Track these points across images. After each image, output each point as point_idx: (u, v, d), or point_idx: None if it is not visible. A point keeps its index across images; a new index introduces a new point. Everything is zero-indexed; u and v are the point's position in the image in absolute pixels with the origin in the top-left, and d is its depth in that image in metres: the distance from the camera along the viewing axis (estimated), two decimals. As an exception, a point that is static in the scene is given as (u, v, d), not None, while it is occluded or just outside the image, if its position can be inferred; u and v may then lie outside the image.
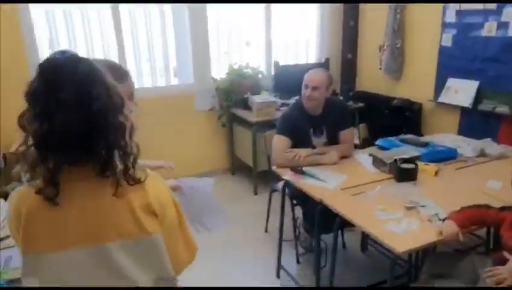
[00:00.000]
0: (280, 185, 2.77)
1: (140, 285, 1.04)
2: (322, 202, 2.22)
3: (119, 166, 1.00)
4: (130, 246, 1.02)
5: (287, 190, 2.74)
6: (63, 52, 0.96)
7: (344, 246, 3.13)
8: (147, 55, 4.36)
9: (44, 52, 3.75)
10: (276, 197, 2.96)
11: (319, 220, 2.32)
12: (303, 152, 2.64)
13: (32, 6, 3.59)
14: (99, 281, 1.02)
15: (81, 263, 1.00)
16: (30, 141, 0.95)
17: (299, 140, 2.72)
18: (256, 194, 4.16)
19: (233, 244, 3.28)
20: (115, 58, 4.00)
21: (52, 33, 3.92)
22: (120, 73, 1.40)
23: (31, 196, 0.98)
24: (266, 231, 3.45)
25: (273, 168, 2.71)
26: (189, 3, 4.15)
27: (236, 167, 4.65)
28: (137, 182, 1.02)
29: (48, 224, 0.99)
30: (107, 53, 4.04)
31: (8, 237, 1.96)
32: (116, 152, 0.99)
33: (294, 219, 2.97)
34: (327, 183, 2.40)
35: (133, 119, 1.16)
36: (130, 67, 4.14)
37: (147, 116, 4.15)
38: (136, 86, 4.15)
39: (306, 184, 2.42)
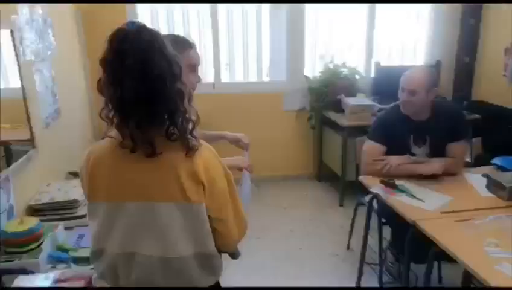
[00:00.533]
0: (367, 198, 2.41)
1: (179, 253, 1.10)
2: (415, 224, 1.82)
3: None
4: (175, 210, 1.07)
5: (375, 205, 2.37)
6: (131, 23, 1.04)
7: (440, 281, 2.62)
8: (241, 52, 4.27)
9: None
10: (363, 212, 2.59)
11: (410, 246, 1.93)
12: (395, 160, 2.25)
13: (139, 5, 3.79)
14: (142, 237, 1.09)
15: (132, 216, 1.08)
16: (110, 105, 1.05)
17: (395, 149, 2.33)
18: (341, 205, 3.79)
19: (309, 257, 2.99)
20: (210, 53, 4.00)
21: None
22: (182, 45, 1.53)
23: (101, 148, 1.12)
24: (348, 248, 3.08)
25: (360, 178, 2.36)
26: (288, 3, 3.97)
27: (323, 174, 4.32)
28: (191, 149, 1.06)
29: (108, 175, 1.09)
30: (203, 49, 4.04)
31: (84, 215, 1.97)
32: (178, 117, 1.05)
33: (381, 240, 2.57)
34: (424, 203, 1.99)
35: (193, 88, 1.43)
36: (224, 63, 4.10)
37: (234, 110, 4.08)
38: (228, 80, 4.19)
39: (397, 201, 2.04)
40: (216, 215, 1.13)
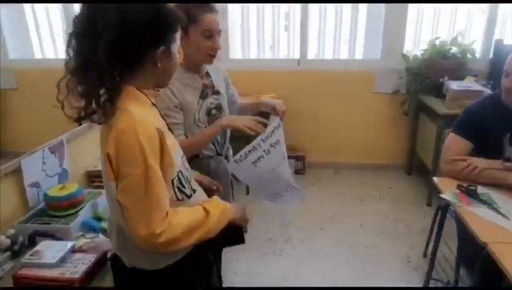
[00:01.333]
0: (442, 204, 1.99)
1: (112, 218, 1.17)
2: (487, 248, 1.42)
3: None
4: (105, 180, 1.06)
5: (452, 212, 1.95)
6: None
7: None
8: (332, 27, 3.91)
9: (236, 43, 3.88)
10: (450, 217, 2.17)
11: (479, 273, 1.53)
12: (482, 163, 1.80)
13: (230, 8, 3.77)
14: None
15: None
16: None
17: (485, 147, 1.87)
18: (429, 205, 3.29)
19: (375, 258, 2.66)
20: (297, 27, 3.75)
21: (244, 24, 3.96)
22: (199, 8, 1.49)
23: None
24: (425, 255, 2.66)
25: (435, 179, 1.95)
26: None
27: (414, 166, 3.82)
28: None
29: None
30: (292, 23, 3.82)
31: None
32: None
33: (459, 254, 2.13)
34: (509, 222, 1.55)
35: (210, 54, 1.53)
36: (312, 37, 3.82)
37: (320, 89, 3.83)
38: (317, 57, 3.90)
39: (472, 214, 1.63)
40: (118, 197, 1.01)
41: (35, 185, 1.81)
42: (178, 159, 1.12)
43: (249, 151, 1.45)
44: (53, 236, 1.62)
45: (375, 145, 3.95)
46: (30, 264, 1.46)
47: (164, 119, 1.18)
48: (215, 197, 1.25)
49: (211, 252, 1.37)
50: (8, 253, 1.56)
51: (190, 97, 1.56)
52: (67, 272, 1.42)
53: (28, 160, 1.76)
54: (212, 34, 1.53)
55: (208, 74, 1.67)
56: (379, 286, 2.39)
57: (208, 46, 1.53)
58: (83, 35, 0.98)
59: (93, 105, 1.00)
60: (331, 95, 3.86)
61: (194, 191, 1.19)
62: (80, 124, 1.13)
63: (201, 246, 1.16)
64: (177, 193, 1.11)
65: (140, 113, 1.01)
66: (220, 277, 1.97)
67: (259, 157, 1.47)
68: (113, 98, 1.01)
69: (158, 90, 1.17)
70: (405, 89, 3.68)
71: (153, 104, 1.12)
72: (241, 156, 1.44)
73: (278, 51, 4.00)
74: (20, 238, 1.60)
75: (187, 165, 1.23)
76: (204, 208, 1.13)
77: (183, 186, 1.13)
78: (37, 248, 1.52)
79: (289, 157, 3.66)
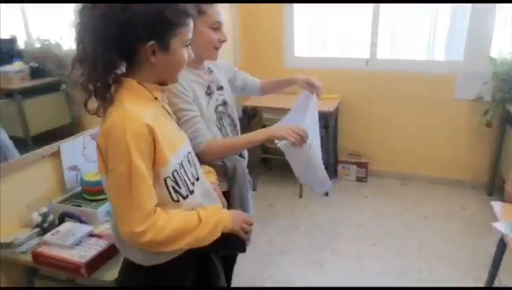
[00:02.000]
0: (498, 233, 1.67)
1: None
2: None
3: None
4: None
5: None
6: None
7: None
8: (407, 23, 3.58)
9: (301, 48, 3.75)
10: None
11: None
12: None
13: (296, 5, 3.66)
14: None
15: None
16: None
17: None
18: (508, 232, 2.83)
19: (428, 284, 2.36)
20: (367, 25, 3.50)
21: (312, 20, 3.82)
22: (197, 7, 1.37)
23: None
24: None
25: (493, 203, 1.65)
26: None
27: (497, 187, 3.31)
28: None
29: None
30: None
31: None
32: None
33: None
34: None
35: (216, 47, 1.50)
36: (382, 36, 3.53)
37: (391, 91, 3.55)
38: (389, 57, 3.60)
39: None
40: (106, 191, 1.04)
41: (74, 168, 1.92)
42: (175, 157, 1.08)
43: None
44: (79, 219, 1.69)
45: (451, 158, 3.52)
46: (49, 242, 1.55)
47: (170, 115, 1.17)
48: (215, 206, 1.20)
49: (214, 254, 1.34)
50: (38, 229, 1.67)
51: (198, 93, 1.50)
52: (77, 254, 1.47)
53: (67, 144, 1.87)
54: (219, 27, 1.49)
55: (210, 70, 1.62)
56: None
57: (215, 38, 1.49)
58: (79, 27, 1.00)
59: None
60: (402, 99, 3.54)
61: (192, 192, 1.14)
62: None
63: (201, 249, 1.12)
64: (172, 193, 1.07)
65: (133, 107, 1.00)
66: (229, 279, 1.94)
67: (311, 143, 1.51)
68: (105, 90, 1.01)
69: (165, 85, 1.14)
70: (490, 96, 3.21)
71: (156, 98, 1.09)
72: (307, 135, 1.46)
73: (345, 49, 3.77)
74: (51, 217, 1.70)
75: (195, 162, 1.20)
76: (198, 215, 1.09)
77: (179, 187, 1.09)
78: (59, 228, 1.61)
79: (351, 163, 3.51)
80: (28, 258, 1.53)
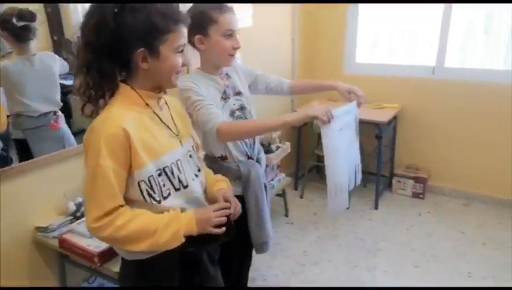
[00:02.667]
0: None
1: None
2: None
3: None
4: None
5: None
6: None
7: None
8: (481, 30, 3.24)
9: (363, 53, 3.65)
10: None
11: None
12: None
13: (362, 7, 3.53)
14: None
15: None
16: None
17: None
18: None
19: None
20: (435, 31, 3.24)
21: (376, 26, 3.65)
22: (218, 8, 1.51)
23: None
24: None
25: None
26: None
27: None
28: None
29: None
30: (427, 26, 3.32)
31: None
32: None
33: None
34: None
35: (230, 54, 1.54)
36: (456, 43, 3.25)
37: (459, 102, 3.28)
38: (458, 65, 3.31)
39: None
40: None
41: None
42: (153, 164, 1.11)
43: (337, 116, 1.50)
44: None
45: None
46: (75, 231, 1.72)
47: (162, 122, 1.18)
48: (174, 212, 1.14)
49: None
50: (71, 218, 1.85)
51: (215, 97, 1.54)
52: (93, 244, 1.61)
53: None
54: (232, 34, 1.51)
55: (228, 76, 1.64)
56: None
57: (229, 45, 1.51)
58: (79, 37, 1.10)
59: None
60: (471, 112, 3.22)
61: (166, 198, 1.15)
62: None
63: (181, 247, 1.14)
64: (145, 195, 1.11)
65: (118, 111, 1.07)
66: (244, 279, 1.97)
67: (341, 128, 1.55)
68: (99, 97, 1.10)
69: (161, 92, 1.19)
70: None
71: (147, 104, 1.14)
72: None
73: (410, 55, 3.54)
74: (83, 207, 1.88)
75: (186, 169, 1.20)
76: (159, 222, 1.09)
77: (154, 191, 1.12)
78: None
79: (408, 177, 3.29)
80: (56, 243, 1.72)
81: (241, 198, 1.57)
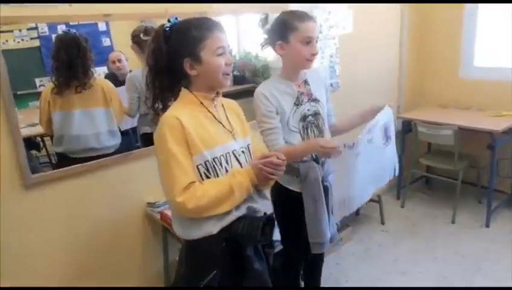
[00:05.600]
0: None
1: None
2: None
3: None
4: None
5: None
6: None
7: None
8: None
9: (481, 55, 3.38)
10: None
11: None
12: None
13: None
14: None
15: None
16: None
17: None
18: None
19: None
20: None
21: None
22: (299, 17, 1.65)
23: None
24: None
25: None
26: None
27: None
28: None
29: None
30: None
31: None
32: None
33: None
34: None
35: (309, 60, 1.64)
36: None
37: None
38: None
39: None
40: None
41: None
42: (208, 152, 1.27)
43: (358, 143, 1.58)
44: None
45: None
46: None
47: (216, 119, 1.34)
48: (237, 170, 1.31)
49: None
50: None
51: (284, 102, 1.67)
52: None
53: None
54: (310, 41, 1.62)
55: (306, 82, 1.74)
56: None
57: (307, 51, 1.62)
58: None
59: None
60: None
61: None
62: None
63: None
64: (204, 177, 1.27)
65: (174, 109, 1.30)
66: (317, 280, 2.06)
67: (359, 153, 1.60)
68: (164, 108, 1.34)
69: (216, 94, 1.36)
70: None
71: (202, 103, 1.32)
72: (353, 143, 1.57)
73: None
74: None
75: (234, 162, 1.34)
76: (233, 179, 1.27)
77: (210, 174, 1.28)
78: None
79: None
80: (159, 216, 2.08)
81: (299, 195, 1.69)
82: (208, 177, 1.29)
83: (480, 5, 3.26)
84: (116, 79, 2.21)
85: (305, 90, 1.74)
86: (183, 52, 1.28)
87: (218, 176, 1.30)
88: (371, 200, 3.07)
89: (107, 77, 2.19)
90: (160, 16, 1.97)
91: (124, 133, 2.19)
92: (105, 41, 2.14)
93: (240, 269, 1.34)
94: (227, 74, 1.32)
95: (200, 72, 1.30)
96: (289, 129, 1.70)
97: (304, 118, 1.71)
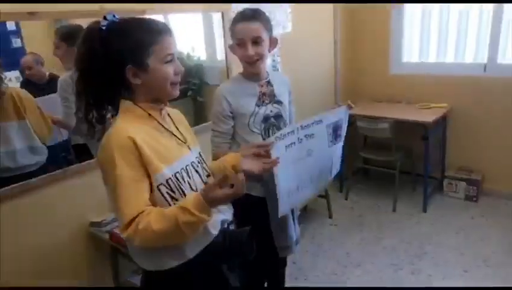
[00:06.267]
0: None
1: None
2: None
3: None
4: None
5: None
6: None
7: None
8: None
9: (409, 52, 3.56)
10: None
11: None
12: None
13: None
14: None
15: None
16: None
17: None
18: None
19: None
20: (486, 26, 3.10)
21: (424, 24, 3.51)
22: None
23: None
24: None
25: None
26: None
27: None
28: None
29: None
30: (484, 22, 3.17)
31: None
32: None
33: None
34: None
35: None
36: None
37: None
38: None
39: None
40: None
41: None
42: (168, 168, 1.12)
43: (288, 133, 1.46)
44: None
45: None
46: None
47: (168, 130, 1.19)
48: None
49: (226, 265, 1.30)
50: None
51: (245, 103, 1.62)
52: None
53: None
54: (242, 43, 1.55)
55: (269, 83, 1.68)
56: None
57: (241, 54, 1.58)
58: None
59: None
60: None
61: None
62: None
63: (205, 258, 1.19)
64: (168, 199, 1.11)
65: (122, 124, 1.09)
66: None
67: (291, 143, 1.48)
68: (101, 119, 1.15)
69: (162, 104, 1.19)
70: None
71: (150, 115, 1.15)
72: (281, 134, 1.45)
73: (461, 54, 3.39)
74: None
75: (194, 174, 1.20)
76: (177, 222, 1.03)
77: (174, 193, 1.13)
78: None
79: (459, 179, 3.16)
80: (108, 237, 1.89)
81: (263, 200, 1.63)
82: (172, 197, 1.12)
83: (406, 4, 3.45)
84: (36, 86, 1.92)
85: (268, 91, 1.67)
86: (124, 58, 1.09)
87: (184, 194, 1.13)
88: (320, 196, 3.13)
89: (23, 85, 1.87)
90: (94, 14, 1.78)
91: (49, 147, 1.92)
92: (16, 42, 1.85)
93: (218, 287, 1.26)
94: (176, 84, 1.16)
95: (144, 81, 1.11)
96: (250, 130, 1.63)
97: (265, 119, 1.65)
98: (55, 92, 1.95)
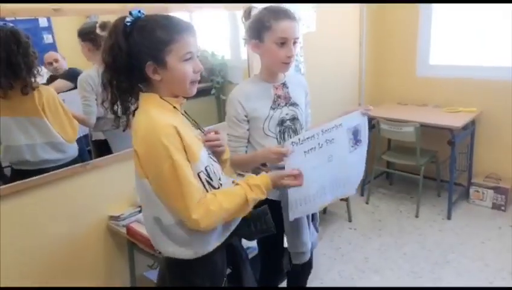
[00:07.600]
0: None
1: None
2: None
3: None
4: None
5: None
6: None
7: None
8: None
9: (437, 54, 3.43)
10: None
11: None
12: None
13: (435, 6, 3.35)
14: None
15: None
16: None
17: None
18: None
19: None
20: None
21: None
22: (265, 22, 1.52)
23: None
24: None
25: None
26: None
27: None
28: None
29: None
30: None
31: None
32: None
33: None
34: None
35: None
36: None
37: None
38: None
39: None
40: (156, 192, 1.17)
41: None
42: (203, 154, 1.20)
43: (307, 138, 1.43)
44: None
45: None
46: (140, 220, 1.89)
47: (192, 121, 1.28)
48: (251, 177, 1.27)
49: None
50: (140, 208, 2.04)
51: (260, 107, 1.57)
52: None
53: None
54: (285, 42, 1.49)
55: (284, 85, 1.64)
56: None
57: (282, 54, 1.50)
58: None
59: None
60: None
61: (221, 184, 1.25)
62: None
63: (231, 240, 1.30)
64: (206, 185, 1.18)
65: (158, 114, 1.13)
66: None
67: (310, 149, 1.44)
68: (126, 110, 1.19)
69: (184, 98, 1.24)
70: None
71: (175, 107, 1.20)
72: (299, 139, 1.41)
73: (490, 57, 3.25)
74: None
75: (215, 161, 1.29)
76: (246, 197, 1.20)
77: (211, 179, 1.20)
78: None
79: (487, 187, 3.05)
80: (125, 230, 1.91)
81: (278, 204, 1.58)
82: (209, 183, 1.20)
83: (435, 5, 3.35)
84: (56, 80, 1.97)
85: (283, 94, 1.62)
86: (145, 54, 1.12)
87: (213, 180, 1.21)
88: (341, 199, 3.07)
89: (48, 80, 1.93)
90: (118, 11, 1.80)
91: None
92: (48, 39, 1.90)
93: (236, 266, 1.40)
94: (195, 82, 1.19)
95: (164, 78, 1.15)
96: (264, 134, 1.59)
97: (281, 122, 1.61)
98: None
